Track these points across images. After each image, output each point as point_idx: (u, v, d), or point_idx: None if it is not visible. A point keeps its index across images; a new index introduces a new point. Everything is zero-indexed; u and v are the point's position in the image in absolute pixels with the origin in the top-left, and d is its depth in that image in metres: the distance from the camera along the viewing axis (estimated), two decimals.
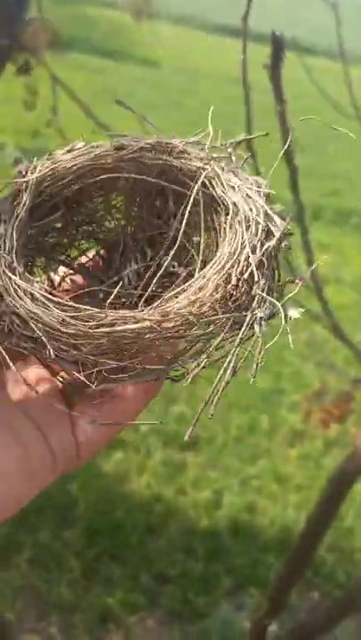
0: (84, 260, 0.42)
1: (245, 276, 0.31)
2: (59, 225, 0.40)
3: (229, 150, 0.39)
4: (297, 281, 0.33)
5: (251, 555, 1.61)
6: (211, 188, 0.37)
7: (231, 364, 0.32)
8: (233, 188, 0.36)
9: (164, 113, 4.56)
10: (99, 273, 0.41)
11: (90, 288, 0.39)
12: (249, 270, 0.32)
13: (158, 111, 4.37)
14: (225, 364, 0.32)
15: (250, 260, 0.32)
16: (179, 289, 0.34)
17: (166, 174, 0.39)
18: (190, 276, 0.36)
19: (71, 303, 0.33)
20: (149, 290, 0.37)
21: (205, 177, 0.37)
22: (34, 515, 1.58)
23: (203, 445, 1.94)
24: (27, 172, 0.37)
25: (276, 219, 0.34)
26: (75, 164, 0.37)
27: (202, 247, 0.37)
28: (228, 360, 0.32)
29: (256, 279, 0.31)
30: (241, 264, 0.32)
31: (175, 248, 0.38)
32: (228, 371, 0.32)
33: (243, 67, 0.53)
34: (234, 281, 0.31)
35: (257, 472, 1.88)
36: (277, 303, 0.32)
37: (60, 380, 0.34)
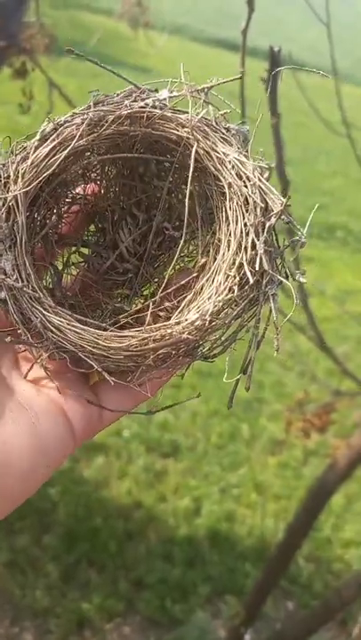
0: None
1: (256, 266, 0.33)
2: (52, 218, 0.39)
3: (204, 99, 0.37)
4: (298, 244, 0.35)
5: (228, 563, 1.61)
6: (199, 158, 0.36)
7: (256, 339, 0.35)
8: (223, 159, 0.35)
9: None
10: (96, 246, 0.41)
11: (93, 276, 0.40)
12: (258, 259, 0.33)
13: None
14: (251, 342, 0.35)
15: (257, 247, 0.33)
16: (196, 288, 0.35)
17: (149, 145, 0.38)
18: (186, 241, 0.38)
19: (105, 328, 0.35)
20: (147, 252, 0.39)
21: (194, 148, 0.36)
22: (13, 518, 1.57)
23: (184, 452, 1.95)
24: (7, 182, 0.34)
25: (271, 190, 0.35)
26: (54, 159, 0.35)
27: (200, 218, 0.37)
28: (252, 337, 0.35)
29: (266, 266, 0.33)
30: (249, 252, 0.33)
31: (164, 208, 0.38)
32: (255, 346, 0.35)
33: (241, 80, 0.55)
34: (248, 273, 0.33)
35: (237, 480, 1.89)
36: (285, 280, 0.34)
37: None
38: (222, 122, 0.37)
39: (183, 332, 0.33)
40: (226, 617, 1.49)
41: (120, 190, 0.41)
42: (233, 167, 0.35)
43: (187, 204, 0.37)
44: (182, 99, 0.38)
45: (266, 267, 0.33)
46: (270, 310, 0.34)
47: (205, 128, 0.36)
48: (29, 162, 0.35)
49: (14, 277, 0.32)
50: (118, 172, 0.41)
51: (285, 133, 0.75)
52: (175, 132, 0.36)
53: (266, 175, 0.36)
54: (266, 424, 2.17)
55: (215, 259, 0.36)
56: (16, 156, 0.35)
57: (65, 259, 0.40)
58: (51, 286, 0.38)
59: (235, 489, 1.86)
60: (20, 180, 0.34)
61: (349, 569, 1.68)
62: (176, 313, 0.35)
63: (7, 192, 0.34)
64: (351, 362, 2.53)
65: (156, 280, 0.40)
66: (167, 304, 0.37)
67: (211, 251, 0.37)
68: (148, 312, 0.37)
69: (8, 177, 0.34)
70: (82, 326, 0.33)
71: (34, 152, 0.35)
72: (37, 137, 0.36)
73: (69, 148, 0.35)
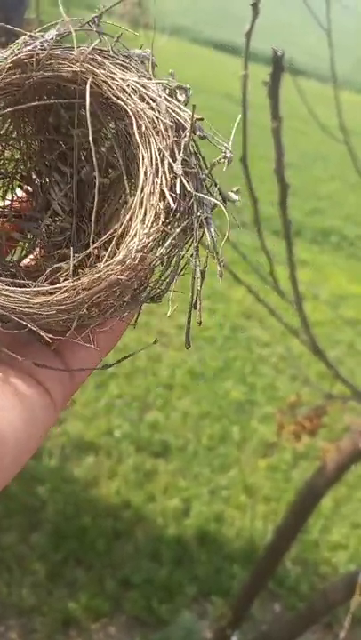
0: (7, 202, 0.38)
1: (177, 189, 0.31)
2: None
3: (96, 29, 0.35)
4: (222, 159, 0.33)
5: (215, 564, 1.62)
6: (99, 89, 0.34)
7: (198, 269, 0.32)
8: (122, 85, 0.33)
9: None
10: (29, 211, 0.39)
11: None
12: (178, 182, 0.31)
13: None
14: (194, 272, 0.32)
15: (175, 169, 0.31)
16: (122, 223, 0.32)
17: (47, 92, 0.36)
18: (115, 184, 0.36)
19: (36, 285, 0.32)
20: (84, 206, 0.37)
21: (89, 83, 0.33)
22: (1, 516, 1.56)
23: (174, 453, 1.95)
24: None
25: (179, 107, 0.33)
26: None
27: (123, 157, 0.35)
28: (194, 268, 0.32)
29: (188, 188, 0.31)
30: (168, 179, 0.31)
31: (89, 156, 0.36)
32: (198, 275, 0.32)
33: (243, 83, 0.55)
34: (169, 198, 0.31)
35: (227, 482, 1.90)
36: (214, 200, 0.32)
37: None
38: (121, 50, 0.35)
39: (112, 274, 0.30)
40: (212, 618, 1.49)
41: (40, 148, 0.39)
42: (134, 91, 0.33)
43: (92, 145, 0.34)
44: (69, 34, 0.35)
45: (189, 188, 0.31)
46: (207, 236, 0.32)
47: (101, 59, 0.34)
48: None
49: None
50: (30, 128, 0.38)
51: (284, 138, 0.75)
52: (68, 69, 0.34)
53: (182, 98, 0.34)
54: (257, 426, 2.18)
55: (134, 185, 0.34)
56: None
57: (2, 235, 0.38)
58: None
59: (224, 490, 1.86)
60: None
61: (336, 572, 1.69)
62: (105, 256, 0.32)
63: None
64: (343, 366, 2.54)
65: (95, 233, 0.37)
66: (103, 253, 0.35)
67: (134, 187, 0.35)
68: (88, 260, 0.34)
69: None
70: (11, 288, 0.31)
71: None
72: None
73: None
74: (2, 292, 0.31)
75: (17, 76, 0.34)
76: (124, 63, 0.34)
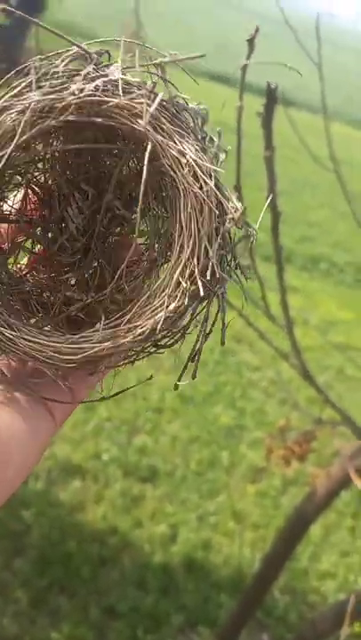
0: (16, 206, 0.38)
1: (208, 275, 0.33)
2: None
3: (161, 76, 0.35)
4: (248, 238, 0.35)
5: (203, 593, 1.59)
6: (156, 157, 0.34)
7: (204, 332, 0.35)
8: (180, 159, 0.33)
9: None
10: (41, 221, 0.39)
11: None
12: (210, 268, 0.33)
13: None
14: (200, 332, 0.35)
15: (209, 255, 0.33)
16: (146, 295, 0.35)
17: (99, 131, 0.36)
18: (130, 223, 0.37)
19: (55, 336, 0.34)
20: (97, 230, 0.38)
21: (148, 148, 0.33)
22: None
23: (162, 478, 1.93)
24: None
25: (227, 195, 0.34)
26: None
27: (152, 198, 0.36)
28: (200, 332, 0.35)
29: (217, 274, 0.33)
30: (202, 262, 0.33)
31: (113, 183, 0.37)
32: (202, 338, 0.35)
33: (238, 114, 0.57)
34: (200, 285, 0.33)
35: (215, 508, 1.88)
36: (235, 281, 0.35)
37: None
38: (179, 103, 0.35)
39: (135, 342, 0.33)
40: None
41: (67, 164, 0.39)
42: (190, 169, 0.33)
43: (139, 211, 0.36)
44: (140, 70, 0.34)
45: (218, 274, 0.33)
46: (218, 306, 0.35)
47: (161, 118, 0.34)
48: None
49: None
50: (64, 151, 0.38)
51: (275, 166, 0.77)
52: (129, 123, 0.33)
53: (221, 160, 0.35)
54: (246, 451, 2.16)
55: (166, 259, 0.36)
56: None
57: (8, 238, 0.38)
58: None
59: (212, 516, 1.84)
60: None
61: (325, 601, 1.66)
62: (127, 318, 0.35)
63: None
64: (332, 391, 2.54)
65: (105, 263, 0.39)
66: (117, 296, 0.37)
67: (162, 246, 0.37)
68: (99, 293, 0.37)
69: None
70: (35, 340, 0.33)
71: None
72: None
73: (12, 145, 0.32)
74: (24, 339, 0.33)
75: (74, 117, 0.33)
76: (181, 126, 0.34)
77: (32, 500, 1.67)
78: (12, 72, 0.35)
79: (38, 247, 0.40)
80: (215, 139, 0.36)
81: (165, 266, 0.36)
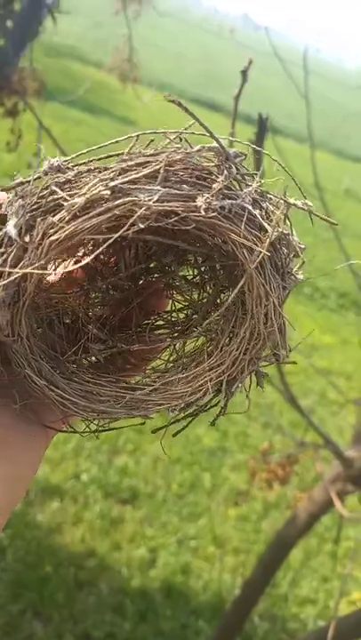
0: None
1: (233, 388, 0.38)
2: None
3: (228, 171, 0.32)
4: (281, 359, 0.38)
5: (181, 619, 1.56)
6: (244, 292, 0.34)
7: (226, 402, 0.39)
8: (263, 300, 0.33)
9: None
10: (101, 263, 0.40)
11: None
12: (237, 383, 0.37)
13: None
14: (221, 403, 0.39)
15: (242, 376, 0.37)
16: (202, 366, 0.37)
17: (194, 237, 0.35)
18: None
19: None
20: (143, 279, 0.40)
21: (246, 288, 0.33)
22: None
23: (143, 499, 1.90)
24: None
25: (282, 335, 0.36)
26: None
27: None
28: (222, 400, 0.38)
29: (238, 385, 0.37)
30: (234, 373, 0.37)
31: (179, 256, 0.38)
32: (223, 404, 0.39)
33: (230, 142, 0.58)
34: (224, 387, 0.37)
35: (195, 532, 1.85)
36: (268, 361, 0.38)
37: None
38: (285, 238, 0.34)
39: (160, 405, 0.37)
40: None
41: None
42: (265, 308, 0.34)
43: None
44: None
45: (239, 386, 0.37)
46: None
47: (268, 262, 0.33)
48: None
49: (6, 332, 0.32)
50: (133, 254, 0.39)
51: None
52: (236, 247, 0.32)
53: (291, 285, 0.35)
54: (228, 474, 2.15)
55: (204, 354, 0.38)
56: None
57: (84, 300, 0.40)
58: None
59: (192, 540, 1.82)
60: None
61: (305, 628, 1.64)
62: (158, 384, 0.37)
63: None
64: (314, 415, 2.55)
65: (136, 306, 0.40)
66: (140, 345, 0.39)
67: (203, 335, 0.39)
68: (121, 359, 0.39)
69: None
70: (84, 401, 0.36)
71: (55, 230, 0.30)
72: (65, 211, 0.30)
73: (121, 232, 0.30)
74: (73, 397, 0.35)
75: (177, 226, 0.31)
76: (277, 263, 0.33)
77: (8, 521, 1.63)
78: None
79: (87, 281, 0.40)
80: (296, 274, 0.35)
81: (191, 345, 0.38)
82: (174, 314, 0.41)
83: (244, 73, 0.53)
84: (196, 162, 0.32)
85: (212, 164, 0.33)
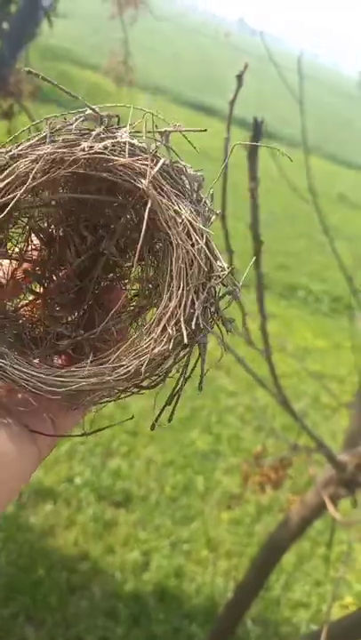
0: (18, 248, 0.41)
1: (193, 325, 0.36)
2: None
3: (165, 144, 0.38)
4: (229, 296, 0.38)
5: (174, 623, 1.55)
6: (154, 214, 0.37)
7: (183, 378, 0.38)
8: (175, 218, 0.36)
9: None
10: (40, 262, 0.41)
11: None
12: (195, 318, 0.36)
13: None
14: (180, 377, 0.38)
15: (195, 306, 0.36)
16: (133, 338, 0.37)
17: (103, 185, 0.39)
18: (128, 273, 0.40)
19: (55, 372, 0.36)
20: (95, 274, 0.41)
21: (148, 206, 0.36)
22: None
23: (136, 502, 1.90)
24: None
25: (216, 255, 0.37)
26: (6, 198, 0.36)
27: (146, 251, 0.39)
28: (180, 377, 0.38)
29: (201, 325, 0.36)
30: (188, 311, 0.36)
31: (111, 231, 0.39)
32: (181, 384, 0.38)
33: (225, 146, 0.59)
34: (184, 334, 0.36)
35: (188, 535, 1.85)
36: (217, 333, 0.37)
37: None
38: (178, 167, 0.38)
39: (118, 380, 0.36)
40: None
41: (70, 212, 0.42)
42: (184, 227, 0.36)
43: (136, 258, 0.39)
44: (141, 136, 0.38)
45: (201, 325, 0.36)
46: (199, 353, 0.37)
47: (161, 180, 0.37)
48: None
49: None
50: (69, 198, 0.41)
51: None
52: (132, 181, 0.37)
53: (212, 222, 0.38)
54: (221, 478, 2.15)
55: (154, 306, 0.38)
56: None
57: (8, 274, 0.40)
58: None
59: (185, 544, 1.82)
60: None
61: (297, 632, 1.64)
62: (113, 357, 0.37)
63: None
64: (307, 418, 2.56)
65: (96, 305, 0.42)
66: (105, 336, 0.40)
67: (152, 295, 0.39)
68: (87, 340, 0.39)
69: None
70: (24, 370, 0.35)
71: None
72: None
73: (23, 189, 0.36)
74: (15, 368, 0.35)
75: (82, 170, 0.37)
76: (179, 187, 0.37)
77: (1, 524, 1.63)
78: (34, 123, 0.39)
79: (37, 286, 0.42)
80: (208, 202, 0.38)
81: (152, 312, 0.38)
82: (132, 304, 0.41)
83: (240, 77, 0.54)
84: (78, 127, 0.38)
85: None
